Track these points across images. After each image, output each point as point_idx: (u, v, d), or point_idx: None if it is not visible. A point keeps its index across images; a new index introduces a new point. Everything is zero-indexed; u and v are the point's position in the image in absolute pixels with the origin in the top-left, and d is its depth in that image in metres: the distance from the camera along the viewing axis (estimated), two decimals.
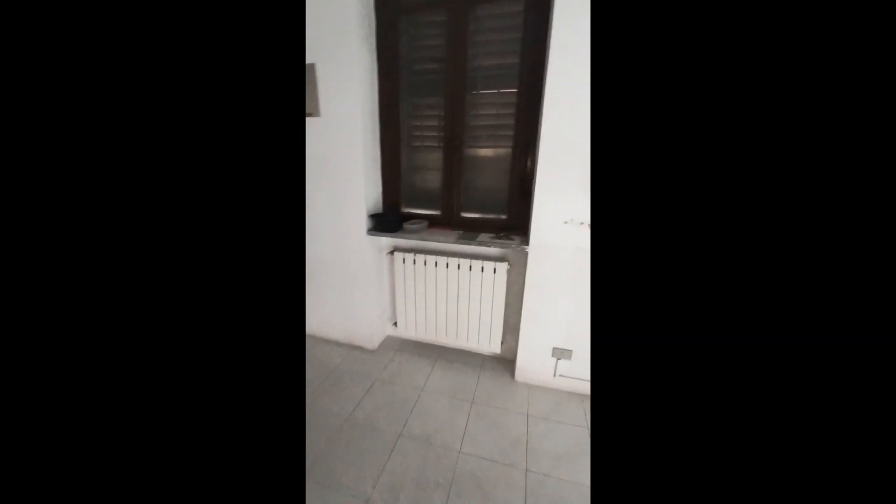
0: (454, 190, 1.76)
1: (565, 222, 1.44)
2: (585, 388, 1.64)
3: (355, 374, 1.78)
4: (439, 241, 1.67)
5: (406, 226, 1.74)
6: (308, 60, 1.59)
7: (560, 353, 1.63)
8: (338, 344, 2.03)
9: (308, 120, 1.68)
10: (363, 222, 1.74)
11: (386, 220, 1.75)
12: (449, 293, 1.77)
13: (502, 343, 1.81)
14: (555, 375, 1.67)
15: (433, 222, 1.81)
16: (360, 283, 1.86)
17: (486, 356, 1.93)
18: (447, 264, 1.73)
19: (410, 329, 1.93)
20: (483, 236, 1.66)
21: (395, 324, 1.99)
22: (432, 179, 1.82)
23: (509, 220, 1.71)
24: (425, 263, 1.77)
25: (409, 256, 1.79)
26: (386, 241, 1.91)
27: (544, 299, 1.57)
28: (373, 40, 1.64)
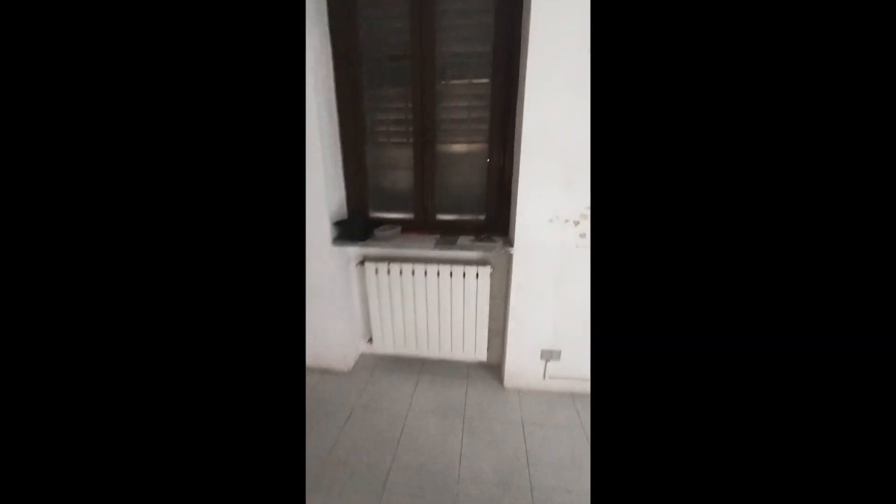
0: (428, 190, 1.61)
1: (550, 220, 1.37)
2: (576, 387, 1.62)
3: (330, 402, 1.58)
4: (416, 249, 1.52)
5: (377, 232, 1.56)
6: None
7: (549, 355, 1.58)
8: (307, 369, 1.79)
9: None
10: (327, 231, 1.53)
11: (353, 228, 1.55)
12: (429, 302, 1.64)
13: (488, 349, 1.72)
14: (544, 377, 1.62)
15: (406, 227, 1.65)
16: (326, 299, 1.64)
17: (471, 364, 1.83)
18: (425, 272, 1.59)
19: (388, 344, 1.77)
20: (463, 239, 1.54)
21: (370, 340, 1.81)
22: (402, 179, 1.65)
23: (488, 220, 1.61)
24: (401, 273, 1.61)
25: (382, 266, 1.62)
26: (354, 251, 1.71)
27: (530, 301, 1.50)
28: (325, 20, 1.41)
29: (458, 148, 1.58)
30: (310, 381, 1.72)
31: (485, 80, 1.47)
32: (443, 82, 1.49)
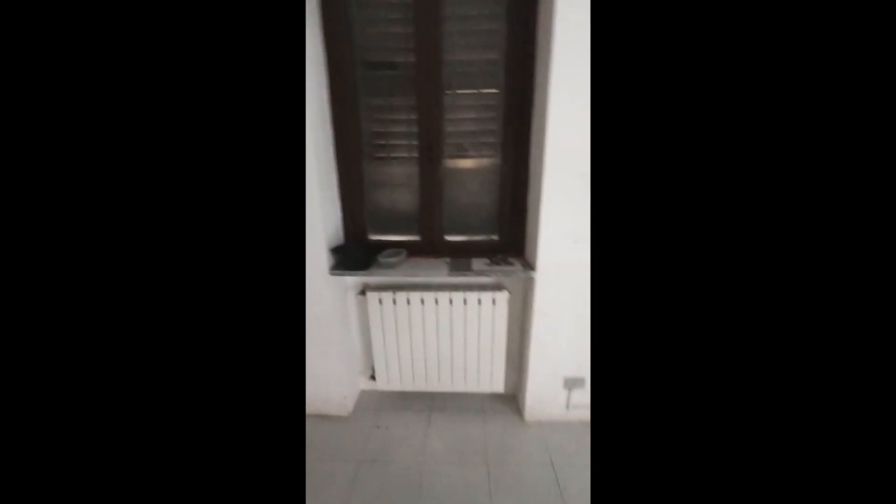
0: (435, 210, 1.46)
1: (575, 241, 1.27)
2: None
3: (331, 458, 1.36)
4: (427, 276, 1.36)
5: (380, 258, 1.38)
6: None
7: (572, 383, 1.47)
8: None
9: None
10: (323, 259, 1.33)
11: (354, 255, 1.37)
12: (440, 333, 1.47)
13: (504, 380, 1.58)
14: (568, 407, 1.51)
15: (411, 250, 1.49)
16: (322, 335, 1.43)
17: (485, 396, 1.68)
18: (435, 300, 1.43)
19: (393, 380, 1.58)
20: (477, 263, 1.40)
21: (372, 377, 1.61)
22: (404, 198, 1.49)
23: (503, 241, 1.49)
24: (408, 302, 1.44)
25: (387, 295, 1.44)
26: (353, 279, 1.52)
27: (554, 327, 1.39)
28: (316, 21, 1.24)
29: (466, 163, 1.45)
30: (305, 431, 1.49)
31: (494, 90, 1.36)
32: (448, 92, 1.36)
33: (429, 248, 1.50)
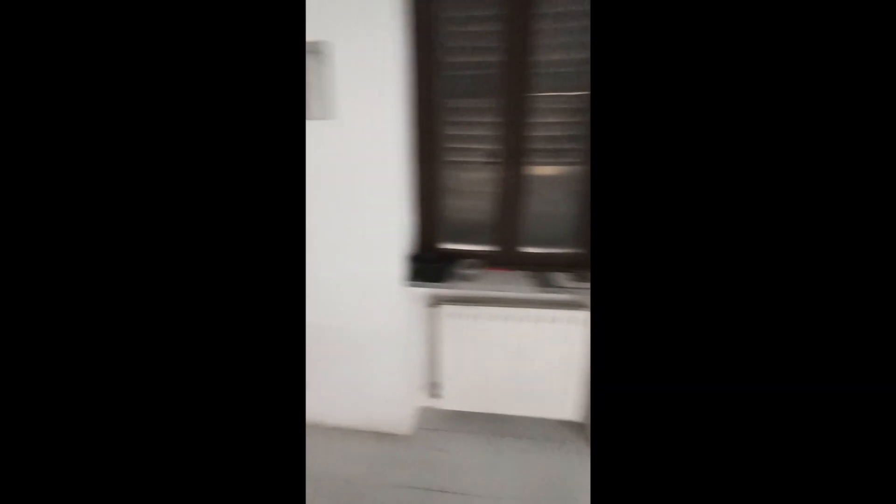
0: (516, 219, 1.37)
1: None
2: None
3: (391, 486, 1.25)
4: (508, 290, 1.25)
5: (459, 270, 1.29)
6: (321, 37, 1.07)
7: None
8: (352, 433, 1.46)
9: (317, 124, 1.15)
10: (395, 268, 1.25)
11: (430, 265, 1.28)
12: (515, 352, 1.36)
13: (579, 406, 1.44)
14: None
15: (489, 262, 1.39)
16: (388, 349, 1.35)
17: (551, 422, 1.54)
18: (512, 316, 1.32)
19: (460, 399, 1.47)
20: (560, 278, 1.28)
21: (437, 394, 1.51)
22: (479, 206, 1.40)
23: (590, 254, 1.37)
24: (484, 316, 1.33)
25: (461, 309, 1.34)
26: (424, 291, 1.43)
27: None
28: (402, 18, 1.19)
29: (549, 170, 1.35)
30: (358, 452, 1.39)
31: (583, 92, 1.26)
32: (532, 94, 1.27)
33: (506, 259, 1.39)
